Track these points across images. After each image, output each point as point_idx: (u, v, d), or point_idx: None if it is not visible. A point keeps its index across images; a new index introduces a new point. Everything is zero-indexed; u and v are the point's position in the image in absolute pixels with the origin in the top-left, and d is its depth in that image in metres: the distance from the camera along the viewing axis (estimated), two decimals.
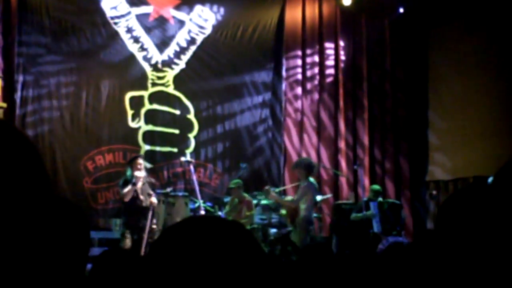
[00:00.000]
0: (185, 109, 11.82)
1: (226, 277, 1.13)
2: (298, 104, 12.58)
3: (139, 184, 8.61)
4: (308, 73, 12.75)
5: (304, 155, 12.27)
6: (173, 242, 1.18)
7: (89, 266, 2.89)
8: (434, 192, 11.55)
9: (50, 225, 1.54)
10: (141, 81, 11.60)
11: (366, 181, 12.02)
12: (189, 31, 11.99)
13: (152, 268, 1.18)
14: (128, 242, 8.53)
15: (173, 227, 1.23)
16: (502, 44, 11.35)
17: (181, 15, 11.98)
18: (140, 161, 8.91)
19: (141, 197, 8.54)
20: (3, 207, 1.29)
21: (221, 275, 1.13)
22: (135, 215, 8.55)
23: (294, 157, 12.29)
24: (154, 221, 8.60)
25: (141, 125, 11.50)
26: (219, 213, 10.18)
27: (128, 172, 8.89)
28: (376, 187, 10.56)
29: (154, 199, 8.58)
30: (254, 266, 1.16)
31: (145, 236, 8.30)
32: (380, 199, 10.19)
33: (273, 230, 9.69)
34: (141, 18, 11.65)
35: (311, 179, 9.05)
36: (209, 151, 11.94)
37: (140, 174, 8.74)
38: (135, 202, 8.57)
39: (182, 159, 10.36)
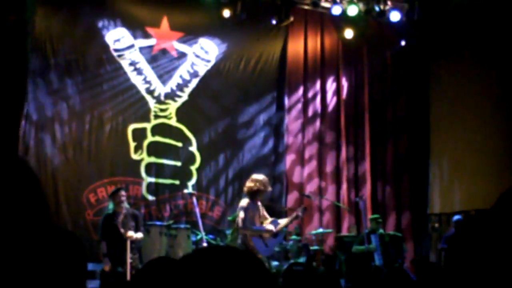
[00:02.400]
0: (187, 142, 11.83)
1: None
2: (300, 135, 12.61)
3: (120, 217, 8.54)
4: (310, 105, 12.80)
5: (306, 186, 12.26)
6: (186, 273, 1.19)
7: None
8: (436, 225, 11.50)
9: (47, 253, 1.56)
10: (144, 113, 11.63)
11: (368, 214, 11.99)
12: (192, 64, 12.06)
13: None
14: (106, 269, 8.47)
15: (186, 258, 1.24)
16: (503, 76, 11.41)
17: (184, 47, 12.06)
18: (123, 193, 8.82)
19: (122, 230, 8.44)
20: (3, 235, 1.31)
21: None
22: (116, 248, 8.47)
23: (297, 189, 12.29)
24: (131, 255, 8.46)
25: (144, 157, 11.50)
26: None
27: (110, 206, 8.84)
28: (375, 215, 10.60)
29: (131, 233, 8.40)
30: None
31: (128, 269, 8.21)
32: (382, 231, 10.16)
33: (275, 263, 9.63)
34: (144, 50, 11.73)
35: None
36: (211, 183, 11.91)
37: (122, 206, 8.66)
38: (116, 235, 8.49)
39: (185, 191, 10.32)
